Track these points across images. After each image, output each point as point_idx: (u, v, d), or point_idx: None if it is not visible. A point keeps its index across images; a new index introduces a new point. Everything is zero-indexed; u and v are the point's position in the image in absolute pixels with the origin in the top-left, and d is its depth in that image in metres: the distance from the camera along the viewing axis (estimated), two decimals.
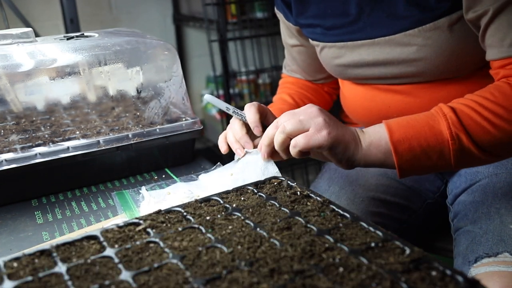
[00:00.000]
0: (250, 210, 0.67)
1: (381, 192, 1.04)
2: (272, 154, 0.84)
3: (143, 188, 0.92)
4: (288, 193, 0.71)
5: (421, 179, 1.08)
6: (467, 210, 0.94)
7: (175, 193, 0.87)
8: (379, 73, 0.98)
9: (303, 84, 1.22)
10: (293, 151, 0.78)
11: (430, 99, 0.95)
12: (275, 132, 0.80)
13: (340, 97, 1.19)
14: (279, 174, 0.81)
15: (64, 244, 0.61)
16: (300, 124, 0.77)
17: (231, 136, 0.90)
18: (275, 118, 0.87)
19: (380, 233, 0.59)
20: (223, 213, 0.67)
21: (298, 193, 0.71)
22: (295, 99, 1.16)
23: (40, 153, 0.92)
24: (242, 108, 0.90)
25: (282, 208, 0.67)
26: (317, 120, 0.77)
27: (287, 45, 1.18)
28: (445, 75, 0.93)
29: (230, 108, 0.90)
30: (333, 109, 1.22)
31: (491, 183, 0.94)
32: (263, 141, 0.83)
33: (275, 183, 0.75)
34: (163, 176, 1.02)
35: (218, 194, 0.72)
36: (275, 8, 1.14)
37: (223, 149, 0.91)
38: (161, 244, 0.59)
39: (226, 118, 2.24)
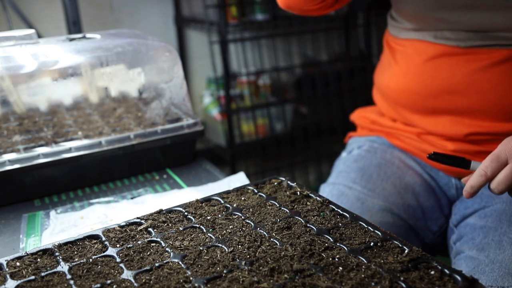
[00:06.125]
0: (251, 210, 0.67)
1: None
2: None
3: (53, 212, 0.87)
4: (288, 193, 0.72)
5: (424, 217, 0.99)
6: (475, 234, 0.85)
7: (89, 218, 0.84)
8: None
9: None
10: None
11: None
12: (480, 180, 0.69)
13: (379, 70, 1.02)
14: None
15: (66, 244, 0.61)
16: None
17: None
18: None
19: (379, 233, 0.59)
20: (223, 212, 0.67)
21: (298, 193, 0.71)
22: None
23: (42, 153, 0.92)
24: None
25: (282, 208, 0.67)
26: None
27: None
28: None
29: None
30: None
31: (509, 209, 0.85)
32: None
33: (275, 183, 0.75)
34: (164, 176, 1.03)
35: (219, 194, 0.73)
36: None
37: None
38: (162, 243, 0.60)
39: (227, 119, 2.24)
